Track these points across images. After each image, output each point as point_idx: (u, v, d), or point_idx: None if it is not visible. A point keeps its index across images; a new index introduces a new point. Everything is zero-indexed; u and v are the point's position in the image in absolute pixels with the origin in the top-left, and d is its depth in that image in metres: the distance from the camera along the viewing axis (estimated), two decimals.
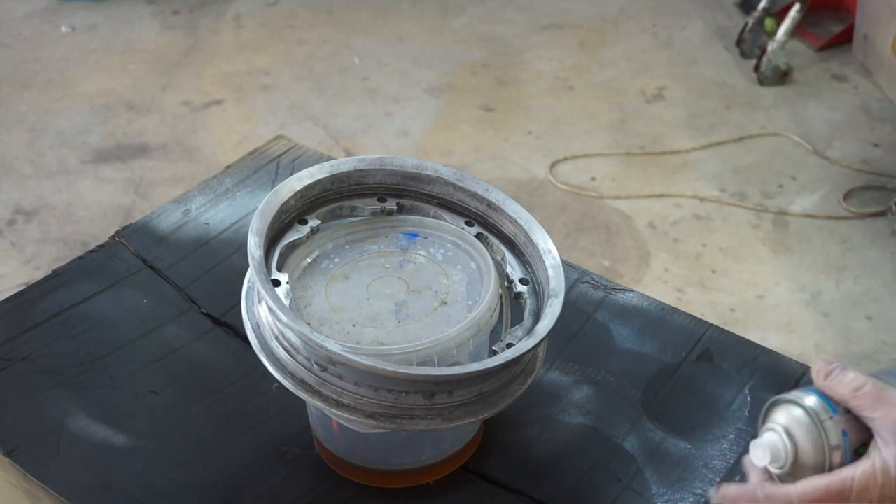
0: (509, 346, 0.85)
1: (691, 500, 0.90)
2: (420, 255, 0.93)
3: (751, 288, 2.24)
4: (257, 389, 1.00)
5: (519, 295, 0.92)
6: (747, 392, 0.99)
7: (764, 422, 0.76)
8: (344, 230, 0.94)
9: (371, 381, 0.81)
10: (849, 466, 0.71)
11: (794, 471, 0.74)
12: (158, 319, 1.08)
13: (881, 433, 0.70)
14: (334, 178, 0.94)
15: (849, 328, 2.14)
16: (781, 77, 2.87)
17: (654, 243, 2.36)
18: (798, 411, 0.74)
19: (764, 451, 0.75)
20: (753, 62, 2.92)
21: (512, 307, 0.92)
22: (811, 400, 0.74)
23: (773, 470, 0.75)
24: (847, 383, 0.72)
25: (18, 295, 1.11)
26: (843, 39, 3.01)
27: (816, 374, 0.74)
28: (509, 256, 0.94)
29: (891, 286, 2.24)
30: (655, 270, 2.28)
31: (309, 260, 0.91)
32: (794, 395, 0.76)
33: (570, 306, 1.06)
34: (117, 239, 1.18)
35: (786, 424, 0.74)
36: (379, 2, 3.35)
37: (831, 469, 0.72)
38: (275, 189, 0.91)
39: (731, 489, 0.76)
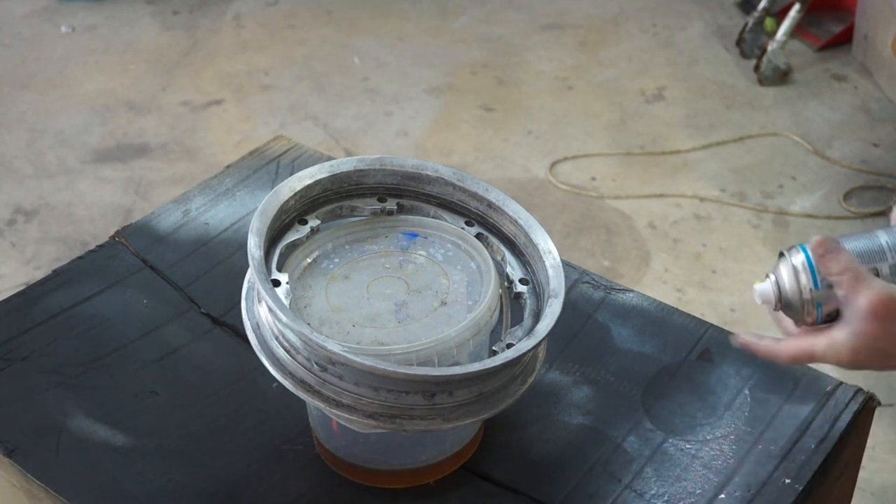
0: (509, 346, 0.85)
1: (691, 500, 0.90)
2: (420, 255, 0.93)
3: (751, 288, 2.24)
4: (257, 389, 1.00)
5: (519, 295, 0.92)
6: (747, 392, 0.99)
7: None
8: (344, 230, 0.94)
9: (371, 381, 0.81)
10: (816, 335, 0.84)
11: (781, 314, 0.88)
12: (158, 319, 1.08)
13: (844, 315, 0.82)
14: (334, 178, 0.95)
15: None
16: (781, 77, 2.87)
17: (654, 243, 2.36)
18: (788, 268, 0.85)
19: (758, 294, 0.88)
20: (753, 62, 2.92)
21: (512, 307, 0.92)
22: (799, 260, 0.85)
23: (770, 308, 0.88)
24: (835, 264, 0.82)
25: (18, 295, 1.11)
26: (843, 39, 3.01)
27: (813, 250, 0.84)
28: (509, 256, 0.95)
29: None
30: (655, 270, 2.28)
31: (309, 260, 0.91)
32: (792, 251, 0.86)
33: (570, 306, 1.06)
34: (117, 239, 1.18)
35: (779, 275, 0.86)
36: (379, 2, 3.35)
37: (805, 323, 0.85)
38: (275, 189, 0.91)
39: (743, 337, 0.89)
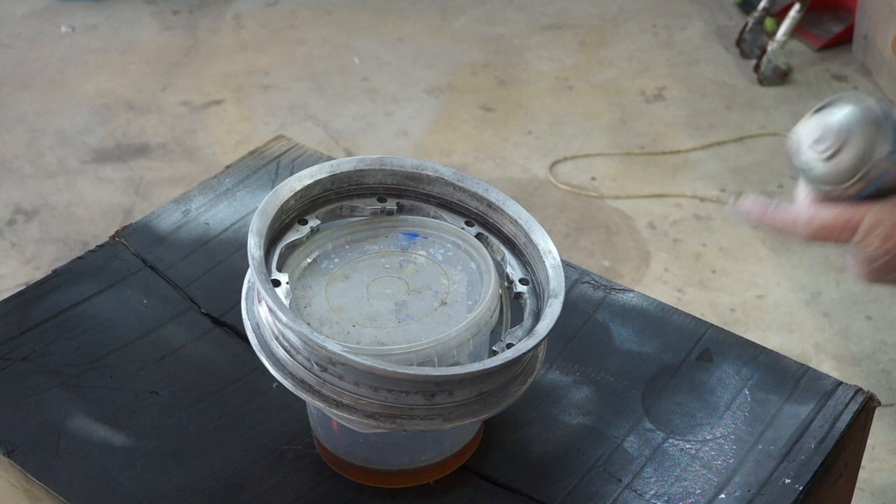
0: (509, 346, 0.85)
1: (691, 500, 0.90)
2: (420, 255, 0.93)
3: (751, 288, 2.24)
4: (257, 389, 1.00)
5: (519, 295, 0.92)
6: (747, 392, 0.99)
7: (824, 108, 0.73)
8: (344, 230, 0.94)
9: (371, 381, 0.81)
10: (863, 205, 0.70)
11: (829, 167, 0.71)
12: (158, 319, 1.08)
13: None
14: (334, 178, 0.95)
15: (849, 328, 2.14)
16: (781, 77, 2.87)
17: (654, 243, 2.36)
18: (868, 112, 0.70)
19: (817, 126, 0.71)
20: (753, 62, 2.92)
21: (512, 307, 0.92)
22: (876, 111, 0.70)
23: (810, 153, 0.72)
24: None
25: (18, 295, 1.11)
26: (843, 39, 3.01)
27: None
28: (509, 256, 0.95)
29: (891, 286, 2.24)
30: (655, 270, 2.28)
31: (309, 260, 0.91)
32: (874, 101, 0.72)
33: (570, 306, 1.06)
34: (117, 239, 1.18)
35: (848, 117, 0.70)
36: (379, 2, 3.35)
37: (845, 194, 0.71)
38: (275, 189, 0.91)
39: (748, 201, 0.75)
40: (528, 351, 0.84)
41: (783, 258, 2.32)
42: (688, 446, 0.95)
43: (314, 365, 0.82)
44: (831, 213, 0.71)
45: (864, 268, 0.73)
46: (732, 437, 0.95)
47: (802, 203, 0.74)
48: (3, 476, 0.97)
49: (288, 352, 0.83)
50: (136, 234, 1.18)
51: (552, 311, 0.86)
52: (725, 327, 1.07)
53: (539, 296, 0.91)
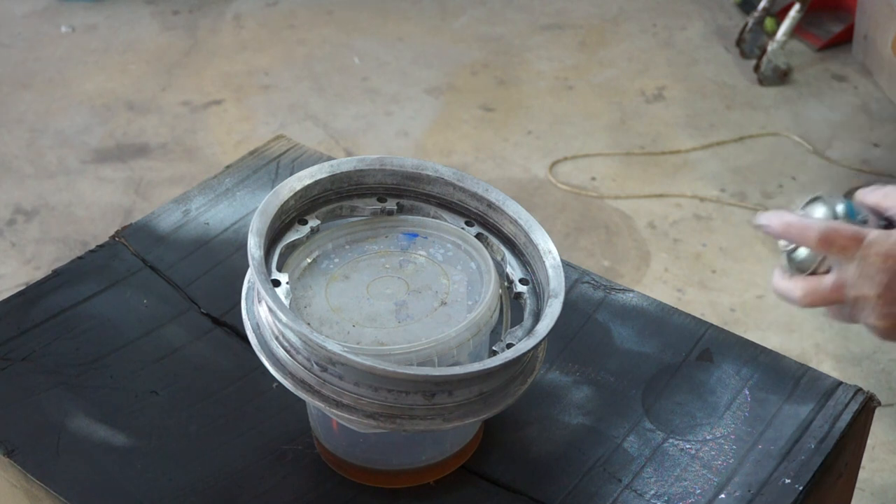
0: (509, 346, 0.85)
1: (691, 500, 0.90)
2: (420, 255, 0.93)
3: (751, 288, 2.24)
4: (257, 389, 1.00)
5: (519, 295, 0.92)
6: (747, 392, 0.99)
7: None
8: (344, 230, 0.94)
9: (371, 381, 0.81)
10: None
11: (796, 257, 0.85)
12: (158, 319, 1.08)
13: None
14: (334, 178, 0.95)
15: (849, 328, 2.14)
16: (781, 77, 2.87)
17: (654, 243, 2.36)
18: (823, 210, 0.84)
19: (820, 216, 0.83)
20: (753, 62, 2.92)
21: (512, 307, 0.92)
22: (841, 208, 0.84)
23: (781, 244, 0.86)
24: (882, 193, 0.82)
25: (18, 295, 1.11)
26: (843, 39, 3.01)
27: (862, 193, 0.83)
28: (509, 256, 0.95)
29: None
30: (655, 270, 2.28)
31: (309, 260, 0.91)
32: (830, 198, 0.85)
33: (570, 306, 1.06)
34: (117, 239, 1.18)
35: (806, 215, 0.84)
36: (379, 2, 3.35)
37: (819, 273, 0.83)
38: (275, 189, 0.91)
39: (771, 217, 0.84)
40: (528, 351, 0.84)
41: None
42: (688, 446, 0.95)
43: (314, 365, 0.82)
44: (843, 224, 0.81)
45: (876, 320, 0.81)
46: (732, 437, 0.95)
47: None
48: (3, 476, 0.97)
49: (288, 352, 0.83)
50: (136, 234, 1.18)
51: (552, 311, 0.86)
52: (725, 327, 1.07)
53: (539, 296, 0.91)
